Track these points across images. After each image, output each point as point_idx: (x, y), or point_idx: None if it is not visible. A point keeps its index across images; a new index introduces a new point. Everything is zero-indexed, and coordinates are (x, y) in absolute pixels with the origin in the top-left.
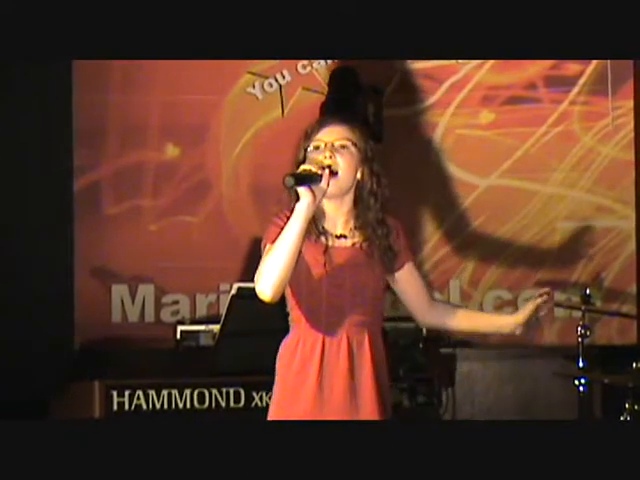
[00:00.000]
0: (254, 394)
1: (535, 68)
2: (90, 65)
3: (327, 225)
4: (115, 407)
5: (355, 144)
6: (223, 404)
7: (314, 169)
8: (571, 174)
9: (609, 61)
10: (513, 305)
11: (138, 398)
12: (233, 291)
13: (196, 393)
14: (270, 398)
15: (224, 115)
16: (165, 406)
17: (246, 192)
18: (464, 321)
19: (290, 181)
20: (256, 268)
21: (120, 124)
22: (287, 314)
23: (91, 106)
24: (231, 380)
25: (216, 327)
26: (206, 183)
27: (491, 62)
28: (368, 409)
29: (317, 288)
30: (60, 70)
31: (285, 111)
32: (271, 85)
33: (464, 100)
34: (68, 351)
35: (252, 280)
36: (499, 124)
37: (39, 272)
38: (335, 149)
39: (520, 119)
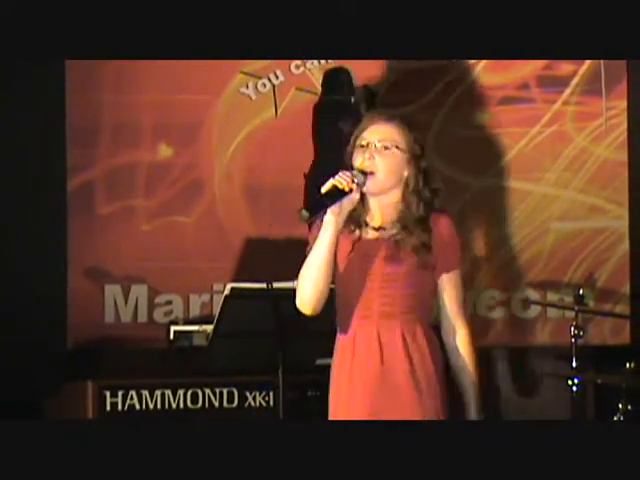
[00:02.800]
0: (247, 394)
1: (528, 68)
2: (83, 65)
3: (368, 218)
4: (108, 407)
5: (398, 146)
6: (216, 404)
7: (341, 185)
8: (564, 174)
9: (602, 61)
10: (506, 305)
11: (131, 398)
12: (226, 291)
13: (189, 393)
14: (264, 398)
15: (217, 115)
16: (158, 406)
17: (239, 192)
18: (455, 372)
19: (305, 215)
20: (249, 268)
21: (113, 124)
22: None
23: (84, 106)
24: (224, 380)
25: (209, 327)
26: (199, 183)
27: (484, 62)
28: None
29: (368, 283)
30: (55, 70)
31: (278, 111)
32: (264, 85)
33: (458, 100)
34: (61, 351)
35: (245, 280)
36: (492, 124)
37: (32, 272)
38: (377, 150)
39: (513, 119)
